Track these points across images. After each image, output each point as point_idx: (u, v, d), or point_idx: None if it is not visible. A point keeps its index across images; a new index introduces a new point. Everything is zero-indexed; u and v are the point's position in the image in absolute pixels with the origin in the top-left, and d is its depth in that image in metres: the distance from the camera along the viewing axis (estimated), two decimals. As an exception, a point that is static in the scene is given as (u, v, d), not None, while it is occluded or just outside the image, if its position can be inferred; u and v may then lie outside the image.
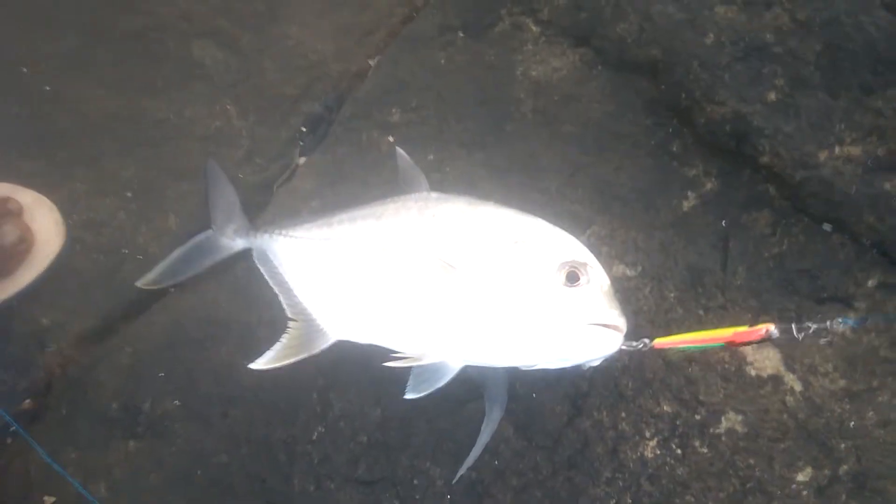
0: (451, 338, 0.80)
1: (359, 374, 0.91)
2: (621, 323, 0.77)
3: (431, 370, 0.79)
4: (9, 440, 0.96)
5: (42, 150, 1.11)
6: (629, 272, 0.92)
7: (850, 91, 0.92)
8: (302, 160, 1.16)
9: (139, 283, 0.98)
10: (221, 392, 0.94)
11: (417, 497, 0.83)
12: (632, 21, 1.06)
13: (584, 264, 0.79)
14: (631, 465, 0.81)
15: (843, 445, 0.82)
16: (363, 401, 0.89)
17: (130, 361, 0.97)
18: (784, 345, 0.86)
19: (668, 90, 1.02)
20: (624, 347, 0.77)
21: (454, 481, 0.83)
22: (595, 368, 0.86)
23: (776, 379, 0.84)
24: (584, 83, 1.07)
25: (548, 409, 0.85)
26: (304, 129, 1.17)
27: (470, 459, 0.82)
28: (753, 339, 0.77)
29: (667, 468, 0.81)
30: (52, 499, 0.90)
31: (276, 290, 0.92)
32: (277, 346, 0.85)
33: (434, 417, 0.87)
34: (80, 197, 1.08)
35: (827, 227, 0.93)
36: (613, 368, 0.86)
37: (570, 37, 1.11)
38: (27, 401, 0.97)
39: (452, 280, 0.81)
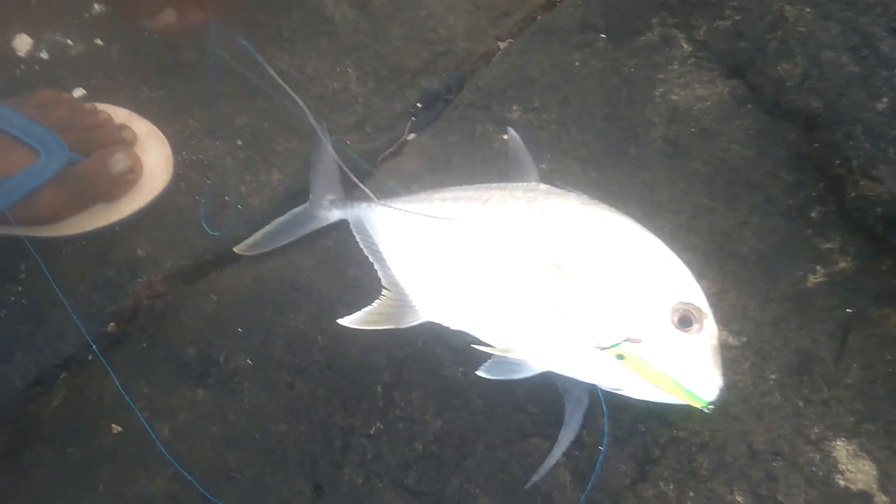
0: (544, 341, 0.79)
1: (426, 379, 0.90)
2: (720, 384, 0.74)
3: (512, 362, 0.79)
4: (90, 357, 1.00)
5: (163, 81, 1.11)
6: (732, 341, 0.86)
7: None
8: (411, 136, 1.12)
9: (237, 249, 0.99)
10: (291, 361, 0.94)
11: (461, 521, 0.82)
12: (797, 63, 0.95)
13: (700, 311, 0.76)
14: (688, 548, 0.77)
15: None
16: (426, 408, 0.88)
17: (214, 310, 0.99)
18: (883, 460, 0.79)
19: (821, 150, 0.92)
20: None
21: (527, 486, 0.81)
22: (673, 437, 0.82)
23: (866, 496, 0.78)
24: (728, 120, 0.98)
25: (612, 466, 0.82)
26: (419, 105, 1.13)
27: (545, 467, 0.81)
28: None
29: (724, 559, 0.77)
30: (119, 429, 0.94)
31: (370, 258, 0.92)
32: (367, 310, 0.86)
33: (494, 444, 0.85)
34: (192, 135, 1.08)
35: (964, 343, 0.83)
36: (691, 443, 0.82)
37: (724, 65, 1.01)
38: (111, 324, 1.01)
39: (558, 284, 0.78)
